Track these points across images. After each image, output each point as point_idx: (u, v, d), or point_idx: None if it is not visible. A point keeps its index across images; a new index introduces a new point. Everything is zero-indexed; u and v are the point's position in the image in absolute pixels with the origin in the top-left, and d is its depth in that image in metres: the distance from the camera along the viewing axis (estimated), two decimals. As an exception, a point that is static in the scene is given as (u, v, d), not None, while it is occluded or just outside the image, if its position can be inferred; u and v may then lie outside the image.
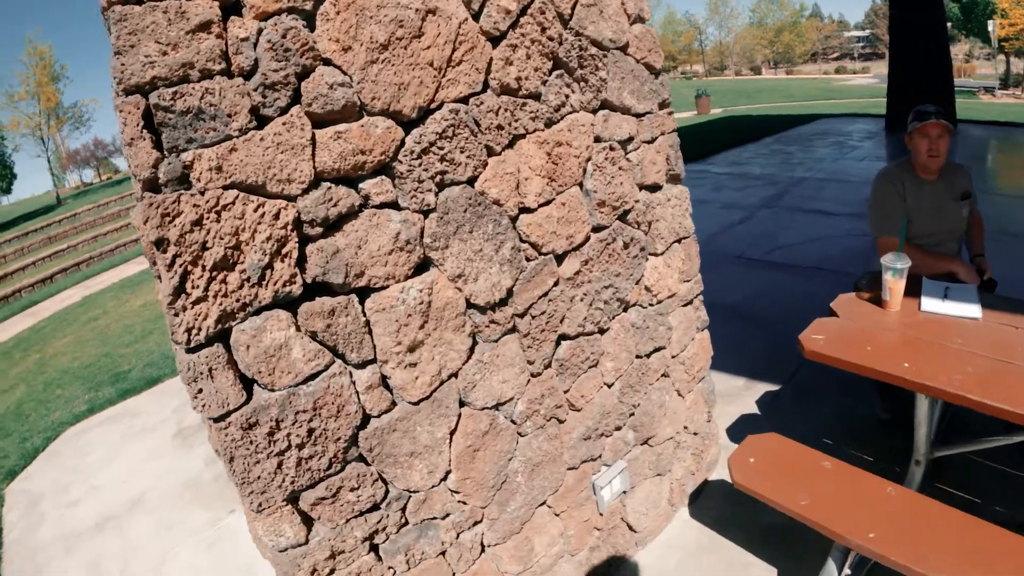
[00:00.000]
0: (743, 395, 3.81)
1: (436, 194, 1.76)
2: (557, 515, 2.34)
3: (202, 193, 1.35)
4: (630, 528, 2.69)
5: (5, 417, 6.28)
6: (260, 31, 1.39)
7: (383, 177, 1.65)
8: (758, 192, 8.56)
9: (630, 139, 2.39)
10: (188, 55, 1.30)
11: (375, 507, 1.76)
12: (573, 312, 2.25)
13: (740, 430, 3.45)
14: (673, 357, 2.78)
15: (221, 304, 1.40)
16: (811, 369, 3.72)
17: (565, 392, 2.29)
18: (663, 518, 2.87)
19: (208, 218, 1.36)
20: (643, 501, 2.70)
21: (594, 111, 2.24)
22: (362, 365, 1.67)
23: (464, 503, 1.99)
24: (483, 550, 2.11)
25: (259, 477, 1.51)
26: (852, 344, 2.37)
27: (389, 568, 1.82)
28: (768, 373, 3.96)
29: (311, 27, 1.49)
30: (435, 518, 1.92)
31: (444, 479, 1.93)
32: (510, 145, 1.97)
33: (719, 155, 11.84)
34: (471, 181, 1.86)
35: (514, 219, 2.00)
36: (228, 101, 1.36)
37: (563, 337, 2.26)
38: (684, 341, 2.83)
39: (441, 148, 1.75)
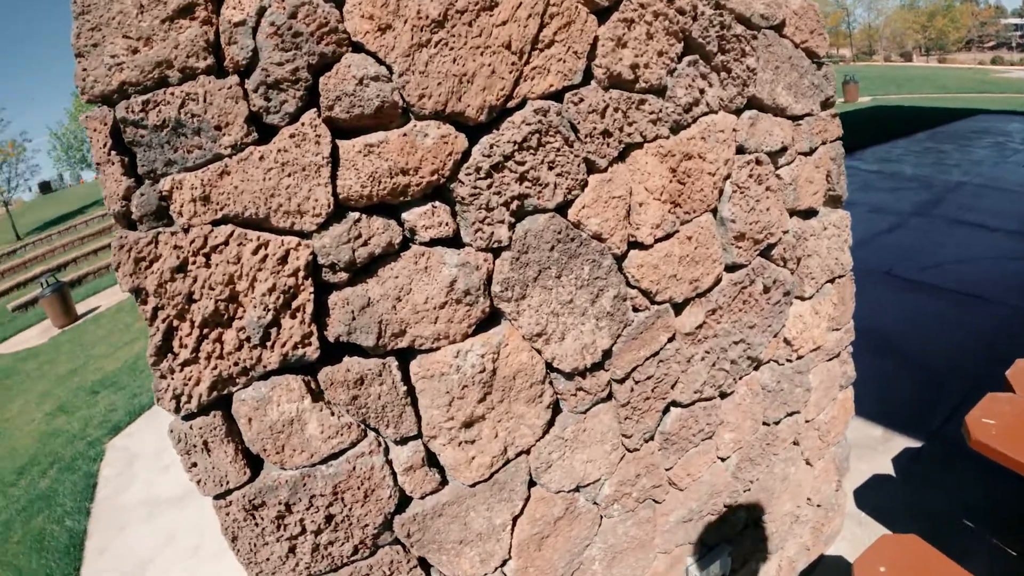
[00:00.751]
0: (878, 450, 2.81)
1: (511, 226, 1.20)
2: None
3: (185, 231, 0.96)
4: None
5: (121, 371, 5.97)
6: (262, 11, 0.93)
7: (436, 204, 1.12)
8: (910, 196, 6.80)
9: (783, 149, 1.56)
10: (164, 51, 0.88)
11: (411, 599, 1.35)
12: (690, 375, 1.57)
13: (870, 497, 2.52)
14: (807, 422, 1.93)
15: (215, 368, 1.02)
16: (960, 423, 2.65)
17: (668, 470, 1.65)
18: None
19: (194, 263, 0.97)
20: None
21: (738, 111, 1.45)
22: (402, 442, 1.23)
23: (525, 598, 1.51)
24: (547, 648, 1.62)
25: (267, 559, 1.15)
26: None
27: (426, 666, 1.43)
28: (910, 424, 2.89)
29: (340, 3, 1.00)
30: (487, 613, 1.47)
31: (501, 566, 1.46)
32: (620, 158, 1.32)
33: (867, 150, 9.25)
34: (562, 208, 1.26)
35: (620, 258, 1.37)
36: (216, 108, 0.93)
37: (673, 405, 1.61)
38: (823, 403, 1.94)
39: (521, 163, 1.17)
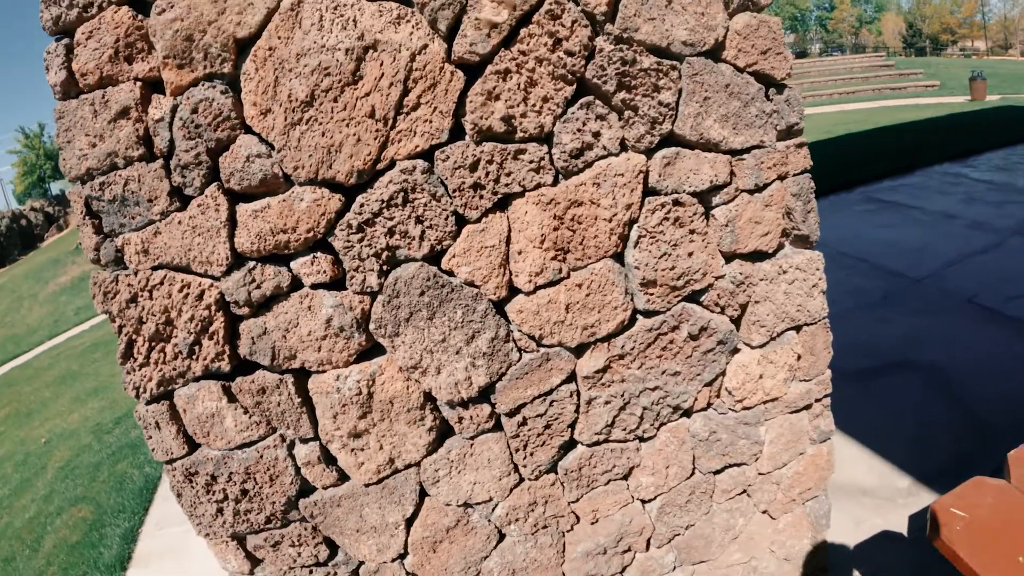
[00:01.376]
0: (898, 503, 2.43)
1: (382, 273, 1.40)
2: None
3: (135, 274, 1.36)
4: None
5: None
6: (174, 108, 1.26)
7: (317, 254, 1.38)
8: (1018, 212, 5.70)
9: (715, 188, 1.46)
10: (111, 144, 1.27)
11: (320, 564, 1.67)
12: (591, 417, 1.61)
13: (872, 556, 2.21)
14: (762, 475, 1.78)
15: (161, 370, 1.43)
16: None
17: (572, 503, 1.71)
18: None
19: (142, 296, 1.37)
20: None
21: (648, 151, 1.42)
22: (303, 441, 1.53)
23: (423, 589, 1.74)
24: (450, 637, 1.83)
25: (202, 515, 1.56)
26: (1004, 541, 1.10)
27: (335, 623, 1.75)
28: (943, 479, 2.45)
29: (237, 91, 1.29)
30: (389, 593, 1.73)
31: (398, 559, 1.70)
32: (500, 207, 1.42)
33: (982, 156, 7.90)
34: (432, 258, 1.42)
35: (501, 303, 1.48)
36: (148, 186, 1.30)
37: (573, 443, 1.66)
38: (783, 457, 1.76)
39: (390, 218, 1.36)
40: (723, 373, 1.66)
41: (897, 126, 10.22)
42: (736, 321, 1.64)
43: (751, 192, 1.51)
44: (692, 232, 1.47)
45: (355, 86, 1.27)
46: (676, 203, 1.43)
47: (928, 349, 3.51)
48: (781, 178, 1.52)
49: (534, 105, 1.31)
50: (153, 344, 1.39)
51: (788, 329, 1.65)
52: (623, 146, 1.39)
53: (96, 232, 1.33)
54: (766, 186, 1.52)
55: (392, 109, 1.29)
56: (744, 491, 1.82)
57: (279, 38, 1.20)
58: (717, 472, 1.78)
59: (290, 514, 1.57)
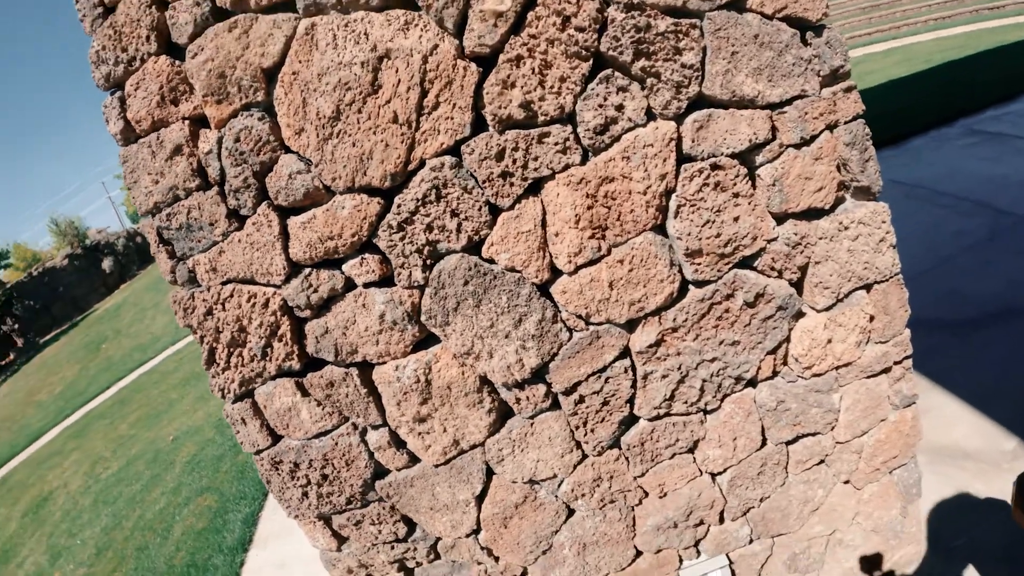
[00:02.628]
0: (1003, 468, 2.26)
1: (427, 267, 1.49)
2: None
3: (208, 290, 1.54)
4: None
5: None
6: (220, 140, 1.40)
7: (365, 256, 1.49)
8: None
9: (755, 147, 1.40)
10: (171, 179, 1.44)
11: (400, 540, 1.84)
12: (649, 392, 1.62)
13: (971, 525, 2.07)
14: (839, 444, 1.72)
15: (241, 372, 1.62)
16: None
17: (637, 478, 1.75)
18: None
19: (216, 308, 1.55)
20: None
21: (677, 117, 1.38)
22: (374, 428, 1.68)
23: (497, 559, 1.86)
24: (529, 604, 1.96)
25: (290, 499, 1.78)
26: None
27: (421, 592, 1.93)
28: None
29: (273, 115, 1.40)
30: (465, 561, 1.88)
31: (472, 534, 1.83)
32: (530, 192, 1.45)
33: None
34: (472, 248, 1.48)
35: (544, 286, 1.52)
36: (207, 212, 1.46)
37: (634, 418, 1.68)
38: (862, 425, 1.71)
39: (427, 215, 1.44)
40: (787, 340, 1.62)
41: (999, 49, 8.89)
42: (797, 285, 1.58)
43: (797, 147, 1.43)
44: (736, 196, 1.43)
45: (376, 95, 1.34)
46: (715, 167, 1.40)
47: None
48: (830, 128, 1.43)
49: (552, 87, 1.33)
50: (231, 350, 1.57)
51: (856, 289, 1.57)
52: (650, 115, 1.38)
53: (170, 257, 1.51)
54: (814, 138, 1.43)
55: (413, 111, 1.35)
56: (821, 461, 1.78)
57: (300, 62, 1.30)
58: (790, 442, 1.75)
59: (368, 495, 1.75)
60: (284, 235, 1.48)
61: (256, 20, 1.31)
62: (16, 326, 18.77)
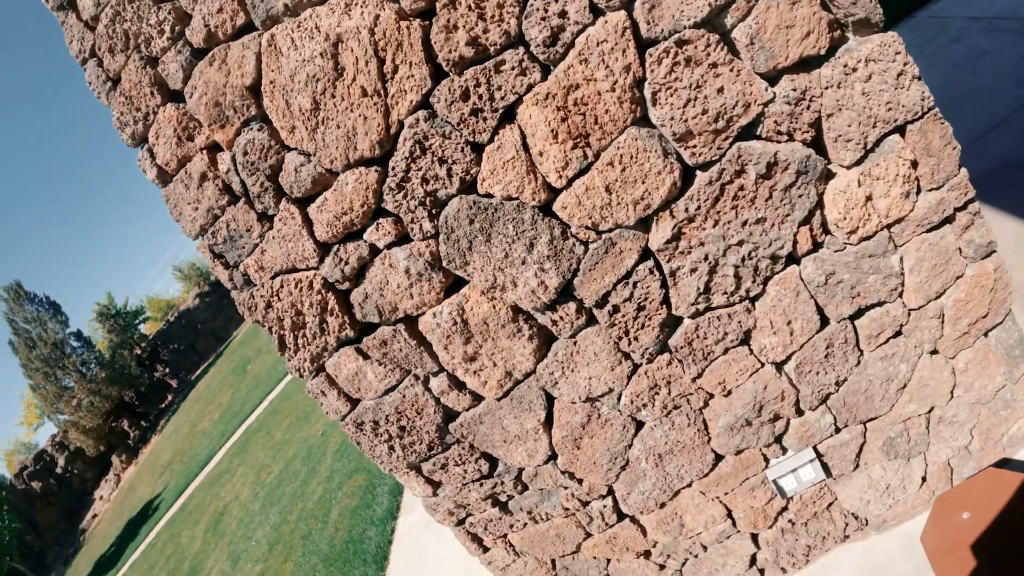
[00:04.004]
0: None
1: (433, 217, 1.63)
2: (712, 498, 1.96)
3: (262, 286, 1.81)
4: (851, 515, 1.96)
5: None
6: (233, 158, 1.64)
7: (380, 220, 1.68)
8: None
9: (719, 9, 1.32)
10: (206, 203, 1.72)
11: (486, 476, 2.05)
12: (681, 289, 1.64)
13: None
14: (912, 311, 1.60)
15: (309, 350, 1.91)
16: None
17: (695, 379, 1.77)
18: (912, 505, 1.96)
19: (273, 300, 1.83)
20: (866, 488, 1.88)
21: (625, 4, 1.35)
22: (434, 375, 1.89)
23: (580, 481, 2.00)
24: (621, 517, 2.07)
25: (380, 455, 2.06)
26: None
27: (517, 520, 2.12)
28: None
29: (270, 123, 1.61)
30: (551, 488, 2.04)
31: (549, 460, 1.99)
32: (505, 121, 1.51)
33: None
34: (467, 188, 1.59)
35: (544, 207, 1.59)
36: (241, 221, 1.72)
37: (677, 319, 1.70)
38: (935, 286, 1.60)
39: (419, 169, 1.58)
40: (819, 206, 1.56)
41: None
42: (815, 144, 1.52)
43: (770, -13, 1.34)
44: (713, 66, 1.40)
45: (342, 78, 1.51)
46: (680, 43, 1.38)
47: None
48: (806, -47, 1.32)
49: (492, 16, 1.41)
50: (296, 333, 1.85)
51: (886, 135, 1.47)
52: (596, 11, 1.39)
53: (225, 267, 1.81)
54: (790, -29, 1.33)
55: (378, 81, 1.50)
56: (897, 333, 1.71)
57: (272, 70, 1.51)
58: (853, 317, 1.70)
59: (446, 438, 1.97)
60: (307, 222, 1.71)
61: (228, 48, 1.52)
62: (168, 370, 22.16)
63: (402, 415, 1.97)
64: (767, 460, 1.99)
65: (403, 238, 1.72)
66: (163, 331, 23.08)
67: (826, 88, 1.45)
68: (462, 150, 1.56)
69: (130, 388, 19.99)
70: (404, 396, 1.95)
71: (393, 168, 1.61)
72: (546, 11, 1.41)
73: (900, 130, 1.50)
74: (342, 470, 5.86)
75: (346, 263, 1.76)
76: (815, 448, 1.95)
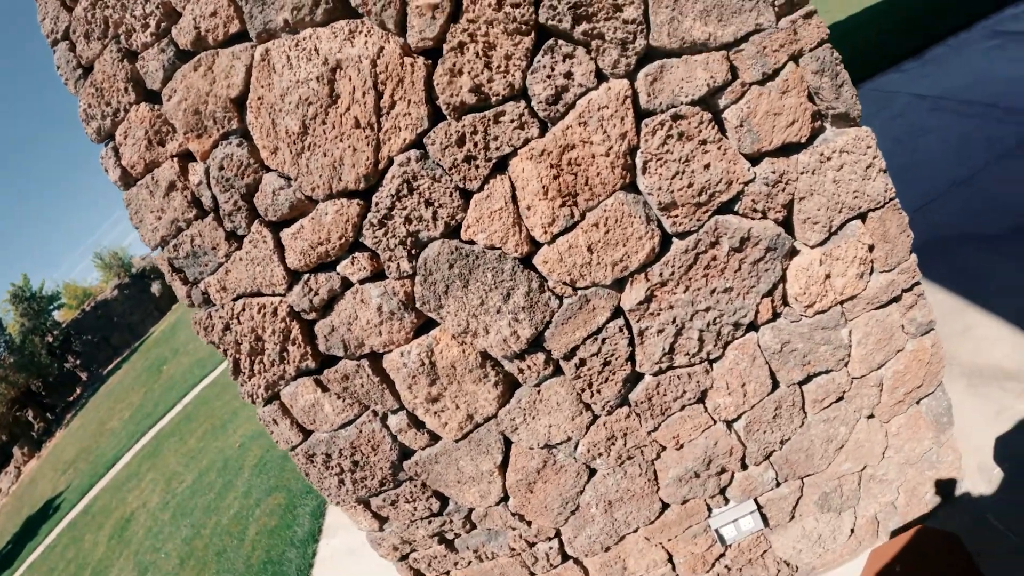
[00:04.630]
0: None
1: (412, 258, 1.63)
2: (656, 544, 2.06)
3: (222, 307, 1.74)
4: (784, 562, 2.11)
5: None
6: (207, 171, 1.57)
7: (355, 255, 1.65)
8: None
9: (715, 91, 1.44)
10: (171, 214, 1.64)
11: (435, 514, 2.05)
12: (647, 348, 1.72)
13: (1019, 450, 2.08)
14: (855, 379, 1.77)
15: (264, 377, 1.84)
16: None
17: (651, 432, 1.86)
18: (840, 554, 2.15)
19: (232, 323, 1.76)
20: (799, 538, 2.04)
21: (628, 74, 1.43)
22: (393, 412, 1.87)
23: (529, 523, 2.03)
24: (565, 559, 2.12)
25: (329, 487, 2.01)
26: None
27: (462, 557, 2.12)
28: None
29: (250, 139, 1.56)
30: (500, 528, 2.06)
31: (501, 502, 2.01)
32: (497, 171, 1.55)
33: None
34: (451, 233, 1.61)
35: (525, 259, 1.63)
36: (208, 238, 1.65)
37: (639, 375, 1.79)
38: (877, 358, 1.78)
39: (404, 208, 1.58)
40: (782, 280, 1.69)
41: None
42: (785, 223, 1.64)
43: (761, 83, 1.48)
44: (703, 143, 1.49)
45: (336, 105, 1.48)
46: (676, 118, 1.46)
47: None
48: (794, 58, 1.46)
49: (498, 67, 1.42)
50: (252, 358, 1.78)
51: (849, 220, 1.62)
52: (601, 77, 1.46)
53: (184, 283, 1.73)
54: (777, 72, 1.48)
55: (373, 114, 1.48)
56: (839, 398, 1.85)
57: (262, 86, 1.45)
58: (802, 382, 1.83)
59: (398, 475, 1.95)
60: (279, 247, 1.66)
61: (217, 55, 1.46)
62: (79, 362, 20.47)
63: (357, 450, 1.93)
64: (710, 509, 2.10)
65: (378, 275, 1.70)
66: (77, 320, 21.34)
67: (802, 173, 1.58)
68: (450, 195, 1.58)
69: (38, 377, 18.44)
70: (361, 431, 1.91)
71: (377, 204, 1.60)
72: (552, 70, 1.46)
73: (862, 216, 1.65)
74: (260, 486, 5.60)
75: (316, 293, 1.71)
76: (756, 500, 2.08)
